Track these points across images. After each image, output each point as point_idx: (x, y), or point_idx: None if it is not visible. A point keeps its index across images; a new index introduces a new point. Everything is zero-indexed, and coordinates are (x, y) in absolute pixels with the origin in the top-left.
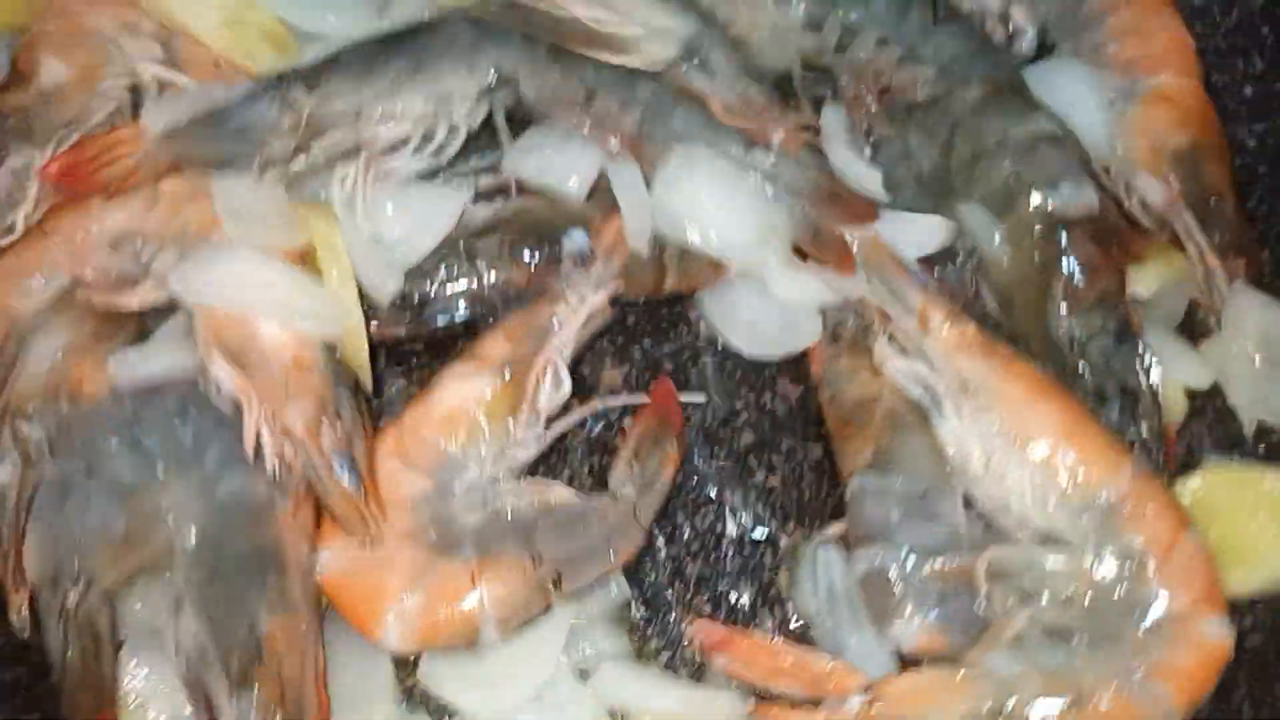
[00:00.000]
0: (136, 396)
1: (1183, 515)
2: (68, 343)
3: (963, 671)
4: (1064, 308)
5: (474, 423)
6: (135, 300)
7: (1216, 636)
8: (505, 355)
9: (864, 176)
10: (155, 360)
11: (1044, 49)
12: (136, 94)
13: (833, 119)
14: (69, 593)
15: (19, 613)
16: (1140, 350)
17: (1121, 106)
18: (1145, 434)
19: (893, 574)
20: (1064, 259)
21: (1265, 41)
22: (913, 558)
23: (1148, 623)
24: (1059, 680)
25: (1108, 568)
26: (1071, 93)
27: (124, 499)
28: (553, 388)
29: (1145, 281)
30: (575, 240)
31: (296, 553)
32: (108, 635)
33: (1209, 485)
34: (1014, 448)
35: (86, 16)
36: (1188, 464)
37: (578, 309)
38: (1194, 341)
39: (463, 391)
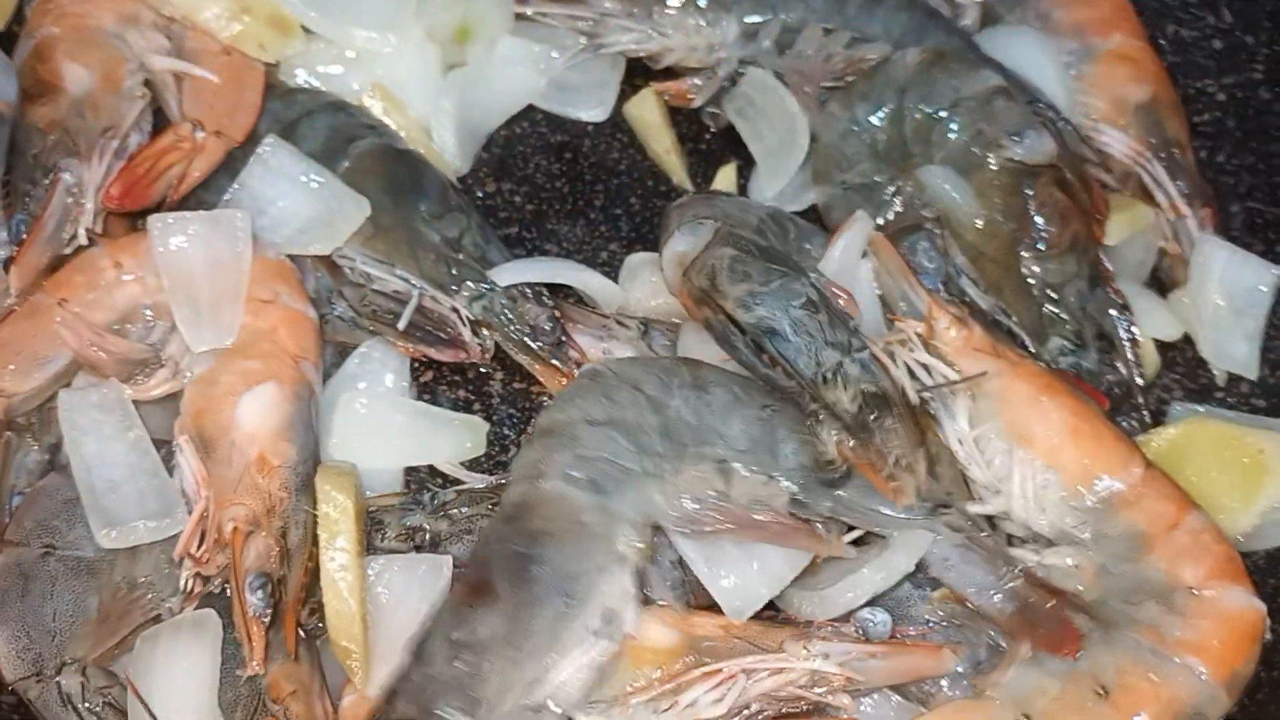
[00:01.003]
0: None
1: (1186, 497)
2: None
3: (976, 701)
4: (1035, 256)
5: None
6: (156, 393)
7: (1239, 605)
8: (710, 638)
9: None
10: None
11: (989, 22)
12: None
13: None
14: (62, 681)
15: None
16: (1115, 295)
17: (1079, 68)
18: (1125, 374)
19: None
20: (1032, 207)
21: None
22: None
23: (1160, 602)
24: (1078, 678)
25: (1109, 554)
26: (1025, 56)
27: (90, 576)
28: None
29: (1111, 233)
30: (879, 621)
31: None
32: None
33: (1181, 436)
34: (1019, 448)
35: (89, 15)
36: (1159, 415)
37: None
38: (1162, 294)
39: (647, 630)
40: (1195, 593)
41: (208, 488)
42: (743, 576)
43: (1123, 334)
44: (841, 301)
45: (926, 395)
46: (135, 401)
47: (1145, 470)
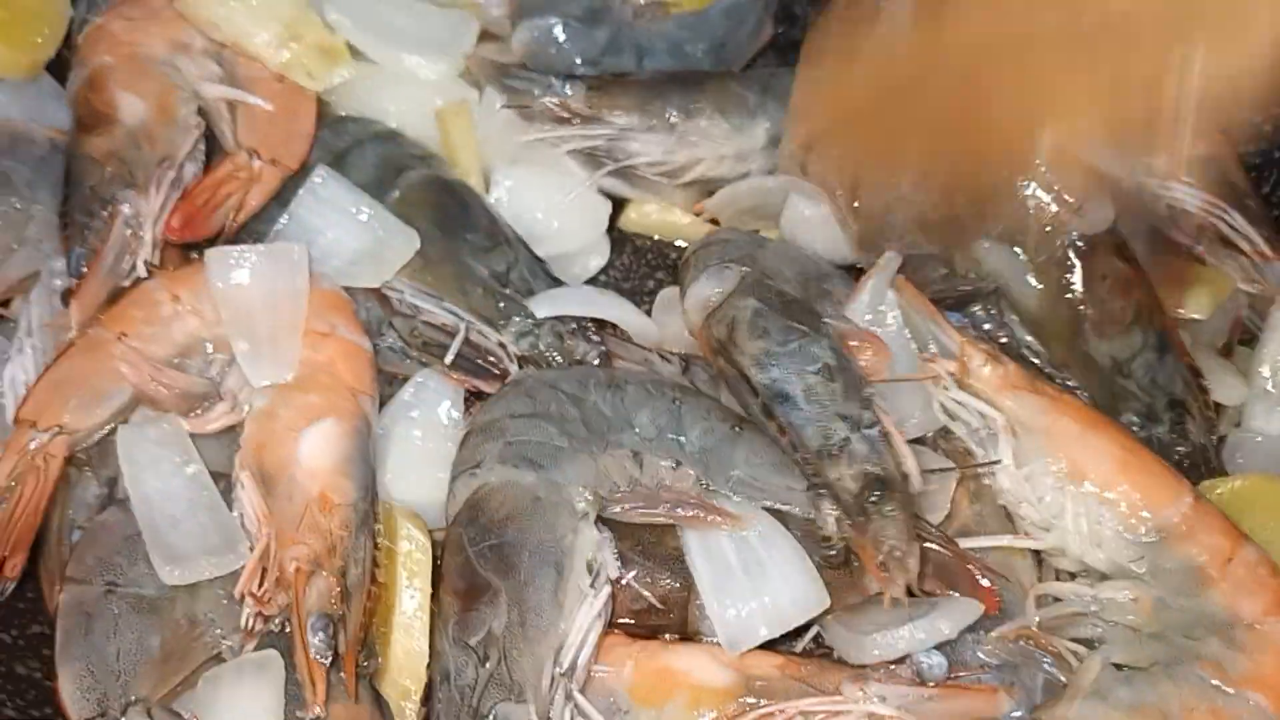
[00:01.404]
0: None
1: (1239, 530)
2: None
3: None
4: (1099, 331)
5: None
6: (214, 426)
7: None
8: (765, 678)
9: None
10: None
11: None
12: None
13: None
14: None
15: None
16: (1186, 359)
17: None
18: (1200, 442)
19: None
20: (1094, 280)
21: None
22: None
23: (1221, 637)
24: (1144, 712)
25: (1167, 588)
26: None
27: (153, 614)
28: None
29: (1195, 306)
30: (935, 665)
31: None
32: None
33: (1242, 491)
34: (1069, 485)
35: (141, 43)
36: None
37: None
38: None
39: (697, 667)
40: (1255, 627)
41: (269, 525)
42: (747, 610)
43: (1198, 400)
44: (868, 353)
45: (969, 436)
46: (193, 435)
47: (1195, 501)
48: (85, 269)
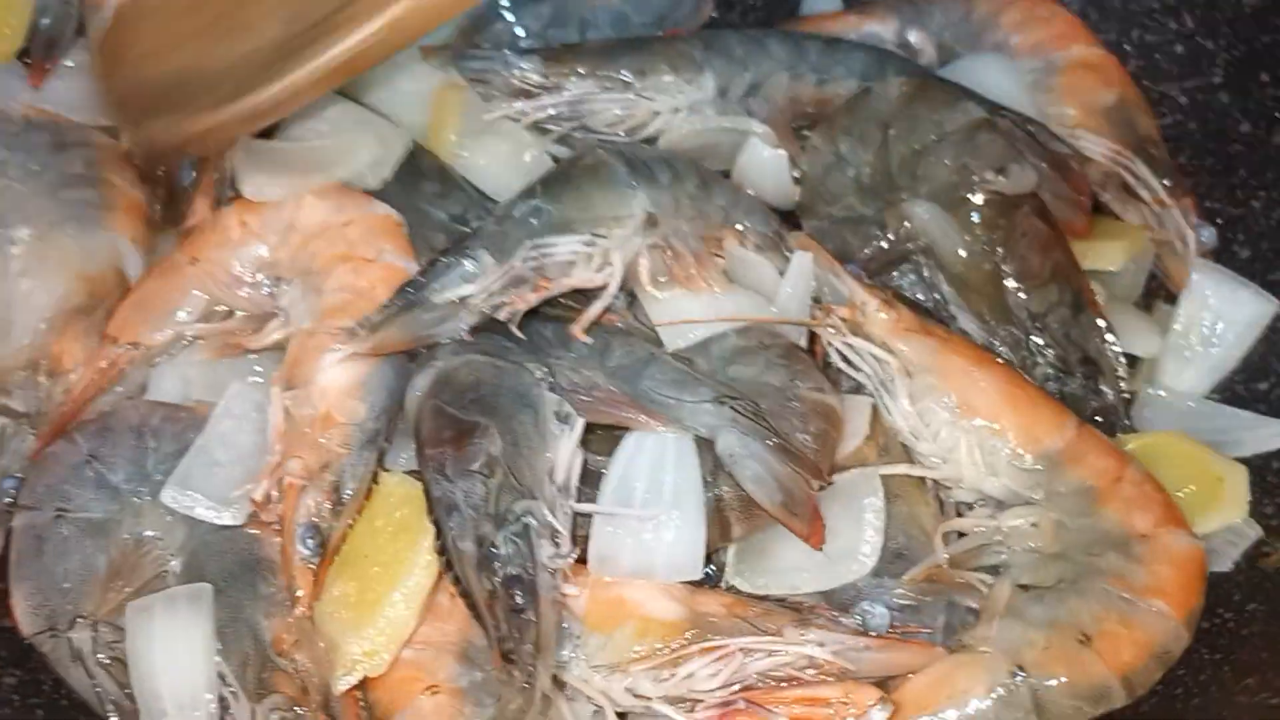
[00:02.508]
0: (89, 435)
1: (1123, 451)
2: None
3: (969, 654)
4: (1019, 285)
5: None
6: (266, 341)
7: (1187, 546)
8: (713, 615)
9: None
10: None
11: (946, 59)
12: None
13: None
14: (73, 637)
15: None
16: (1100, 319)
17: (1045, 82)
18: (1111, 399)
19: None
20: (1015, 238)
21: (1195, 0)
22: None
23: (1119, 551)
24: (1060, 627)
25: (1063, 510)
26: (991, 82)
27: (100, 535)
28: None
29: (1109, 259)
30: (877, 614)
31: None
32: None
33: (1151, 446)
34: (961, 419)
35: None
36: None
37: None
38: (1148, 308)
39: (649, 600)
40: (1148, 539)
41: (281, 440)
42: (624, 542)
43: (1109, 358)
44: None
45: (867, 380)
46: (252, 350)
47: (1080, 427)
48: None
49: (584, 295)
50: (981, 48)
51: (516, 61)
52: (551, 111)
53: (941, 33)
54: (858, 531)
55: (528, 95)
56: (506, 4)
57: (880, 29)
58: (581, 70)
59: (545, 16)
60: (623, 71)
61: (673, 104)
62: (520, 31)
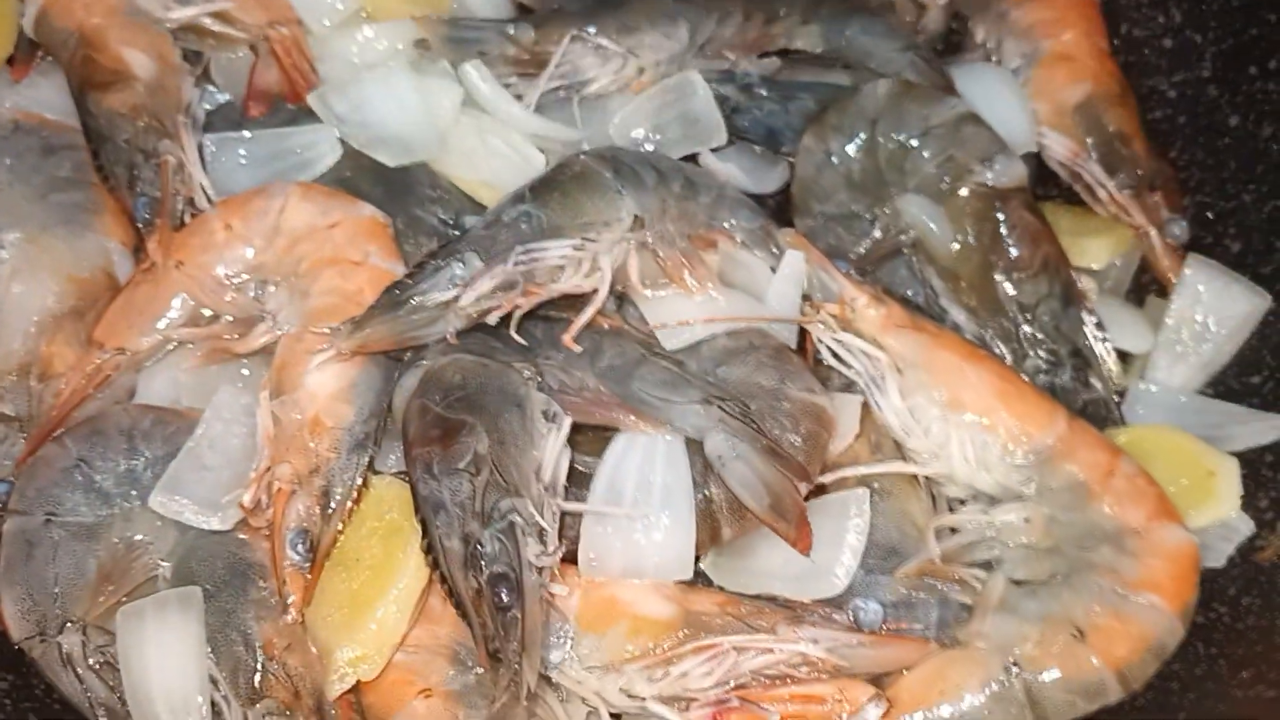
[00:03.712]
0: (79, 439)
1: (1114, 445)
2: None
3: (964, 650)
4: (1009, 278)
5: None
6: (253, 345)
7: (1180, 540)
8: (706, 614)
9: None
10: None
11: (956, 21)
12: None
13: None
14: (63, 641)
15: None
16: (1089, 312)
17: (1025, 73)
18: (1101, 392)
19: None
20: (1003, 230)
21: None
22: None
23: (1112, 545)
24: (1053, 621)
25: (1055, 505)
26: (989, 92)
27: (90, 540)
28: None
29: (1095, 256)
30: (870, 611)
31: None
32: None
33: (1142, 439)
34: (952, 414)
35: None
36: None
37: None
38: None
39: (641, 599)
40: (1141, 533)
41: (270, 445)
42: (615, 542)
43: (1099, 351)
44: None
45: (857, 376)
46: (240, 355)
47: (1071, 421)
48: (151, 215)
49: (574, 297)
50: (986, 15)
51: (509, 30)
52: (553, 84)
53: None
54: (836, 550)
55: (521, 63)
56: None
57: None
58: (570, 33)
59: None
60: (609, 32)
61: (655, 58)
62: None
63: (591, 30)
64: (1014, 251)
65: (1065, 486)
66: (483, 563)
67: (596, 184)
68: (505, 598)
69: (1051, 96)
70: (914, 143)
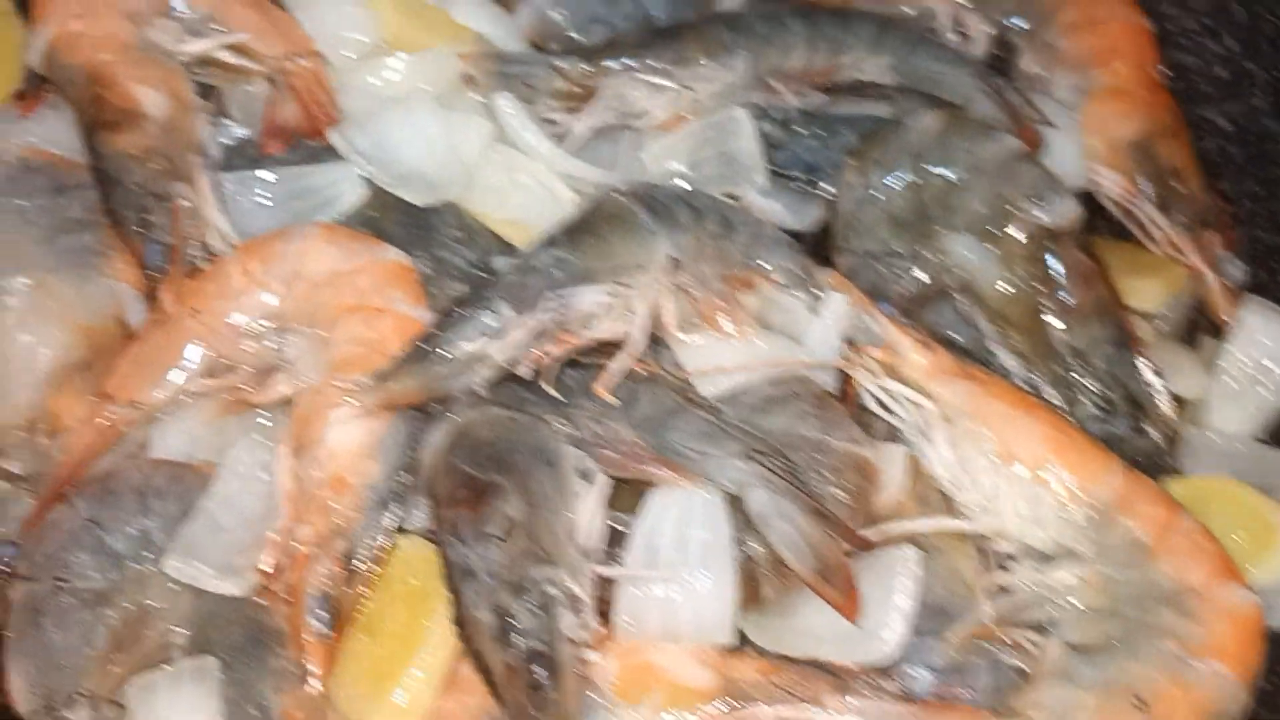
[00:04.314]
0: (89, 499)
1: (1171, 498)
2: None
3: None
4: (1062, 321)
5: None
6: (272, 396)
7: (1243, 602)
8: (746, 682)
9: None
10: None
11: (1002, 49)
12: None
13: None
14: (72, 716)
15: None
16: (1145, 357)
17: (1075, 106)
18: (1157, 440)
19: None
20: (1056, 272)
21: (1236, 21)
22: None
23: (1172, 607)
24: (1113, 690)
25: (1112, 563)
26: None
27: (100, 606)
28: None
29: (1148, 298)
30: (920, 679)
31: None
32: None
33: (1199, 490)
34: (1003, 466)
35: (114, 32)
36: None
37: None
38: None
39: (678, 666)
40: (1202, 594)
41: (290, 504)
42: (652, 597)
43: (1155, 397)
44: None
45: (904, 425)
46: (257, 406)
47: (1127, 474)
48: (163, 262)
49: (606, 341)
50: (1034, 43)
51: (556, 62)
52: (603, 116)
53: (1000, 18)
54: (884, 613)
55: (569, 96)
56: None
57: (937, 5)
58: (622, 65)
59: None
60: (662, 63)
61: (709, 90)
62: (585, 19)
63: (645, 63)
64: (1067, 294)
65: (1122, 544)
66: (515, 637)
67: (631, 225)
68: (541, 675)
69: (1103, 131)
70: (962, 179)
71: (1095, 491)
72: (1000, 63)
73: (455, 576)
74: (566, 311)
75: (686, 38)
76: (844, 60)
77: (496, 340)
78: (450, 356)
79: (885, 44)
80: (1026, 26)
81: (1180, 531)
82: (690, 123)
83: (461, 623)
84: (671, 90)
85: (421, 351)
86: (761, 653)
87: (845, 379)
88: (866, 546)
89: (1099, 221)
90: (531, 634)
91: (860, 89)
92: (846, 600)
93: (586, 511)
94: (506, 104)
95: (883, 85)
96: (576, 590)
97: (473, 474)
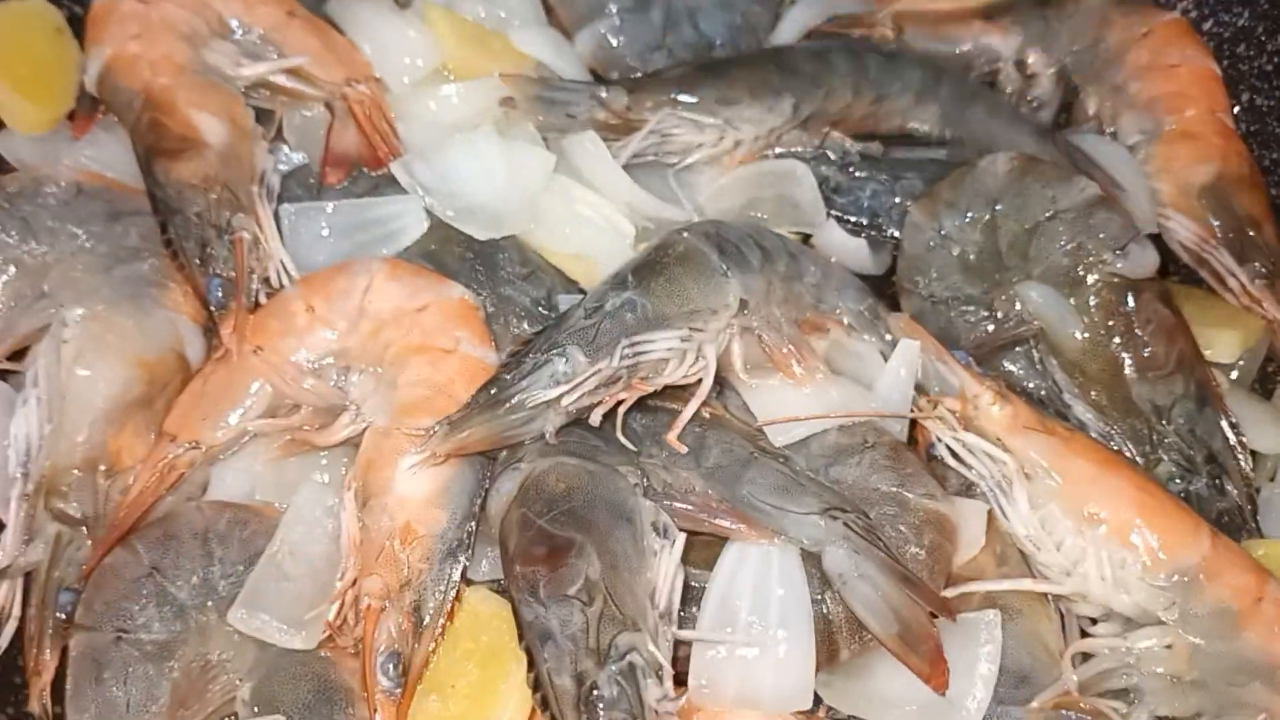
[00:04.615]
0: (150, 545)
1: (1260, 565)
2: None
3: None
4: (1141, 376)
5: None
6: (336, 438)
7: None
8: None
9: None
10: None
11: (1069, 94)
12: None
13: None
14: None
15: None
16: (1225, 414)
17: (1146, 149)
18: (1238, 500)
19: None
20: (1136, 324)
21: None
22: None
23: (1264, 682)
24: None
25: (1200, 633)
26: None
27: (163, 659)
28: None
29: (1225, 351)
30: None
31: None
32: None
33: (1271, 558)
34: (1087, 528)
35: (173, 55)
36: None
37: None
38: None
39: None
40: None
41: (356, 552)
42: (728, 659)
43: (1236, 456)
44: None
45: (980, 480)
46: (321, 448)
47: (1214, 539)
48: (225, 298)
49: (674, 385)
50: (1101, 86)
51: (599, 93)
52: (644, 145)
53: (1065, 58)
54: (967, 681)
55: (609, 127)
56: (617, 25)
57: (1000, 43)
58: (665, 100)
59: (658, 24)
60: (708, 101)
61: (755, 132)
62: (643, 48)
63: (689, 99)
64: (1148, 348)
65: (1211, 613)
66: (600, 708)
67: (702, 267)
68: None
69: (1175, 176)
70: (1041, 226)
71: (1183, 557)
72: (1065, 102)
73: (531, 637)
74: (640, 358)
75: (732, 76)
76: (890, 108)
77: (568, 387)
78: (521, 404)
79: (935, 93)
80: (1092, 67)
81: (1273, 601)
82: (745, 164)
83: (539, 686)
84: (714, 129)
85: (492, 398)
86: (831, 713)
87: (912, 427)
88: (951, 613)
89: (1169, 267)
90: (617, 705)
91: (910, 138)
92: (934, 672)
93: (666, 571)
94: (589, 142)
95: (932, 135)
96: (660, 658)
97: (548, 529)
